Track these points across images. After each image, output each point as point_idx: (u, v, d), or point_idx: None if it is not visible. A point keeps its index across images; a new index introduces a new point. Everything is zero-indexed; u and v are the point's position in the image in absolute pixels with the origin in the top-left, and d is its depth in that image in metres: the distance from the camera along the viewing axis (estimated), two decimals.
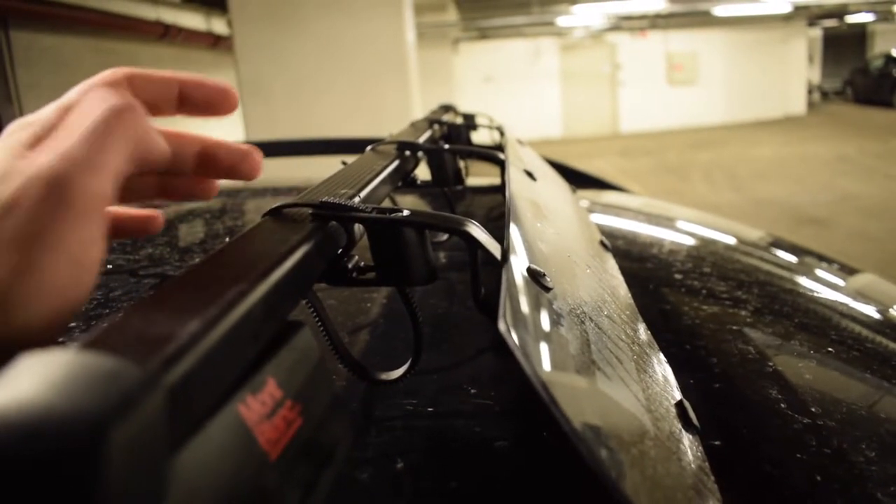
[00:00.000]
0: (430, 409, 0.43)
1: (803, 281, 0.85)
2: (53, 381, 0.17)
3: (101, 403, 0.16)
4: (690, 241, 1.01)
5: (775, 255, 1.02)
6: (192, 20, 9.18)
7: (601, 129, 14.67)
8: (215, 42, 9.59)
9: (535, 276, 0.36)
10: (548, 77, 14.74)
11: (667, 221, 1.19)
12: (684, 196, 6.80)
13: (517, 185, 0.53)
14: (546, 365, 0.28)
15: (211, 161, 0.38)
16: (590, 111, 14.78)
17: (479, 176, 1.33)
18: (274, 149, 1.59)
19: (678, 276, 0.74)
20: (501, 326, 0.27)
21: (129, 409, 0.17)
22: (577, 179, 1.39)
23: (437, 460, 0.39)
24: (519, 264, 0.35)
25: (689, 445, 0.35)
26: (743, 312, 0.64)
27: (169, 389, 0.19)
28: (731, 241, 1.07)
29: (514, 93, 14.50)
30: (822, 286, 0.85)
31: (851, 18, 15.28)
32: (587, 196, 1.27)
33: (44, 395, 0.17)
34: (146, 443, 0.17)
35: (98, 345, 0.20)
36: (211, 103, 0.37)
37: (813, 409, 0.47)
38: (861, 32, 18.51)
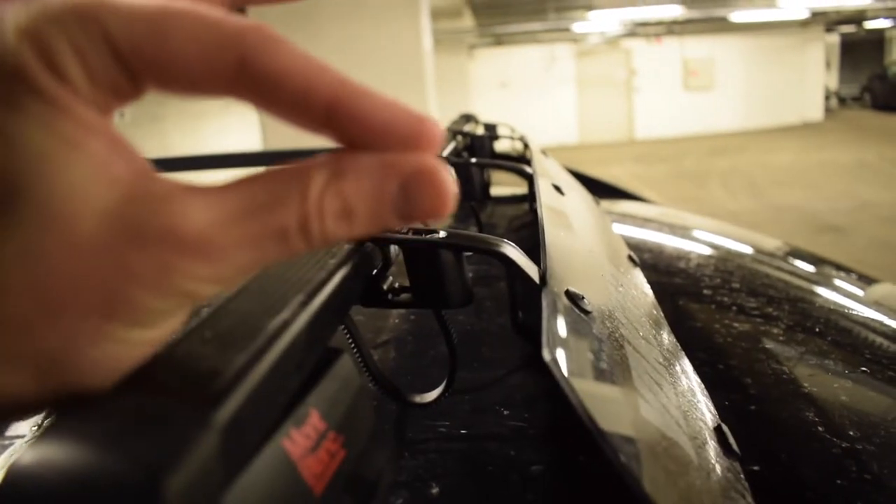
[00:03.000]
0: (462, 432, 0.42)
1: (833, 296, 0.84)
2: (105, 428, 0.17)
3: (156, 451, 0.16)
4: (715, 254, 1.00)
5: (803, 269, 1.01)
6: None
7: (617, 135, 14.62)
8: None
9: (573, 300, 0.35)
10: (563, 83, 14.71)
11: (689, 233, 1.18)
12: (702, 203, 6.75)
13: (548, 203, 0.53)
14: (592, 394, 0.27)
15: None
16: (605, 117, 14.73)
17: (498, 185, 1.32)
18: (296, 158, 1.59)
19: (707, 292, 0.73)
20: (546, 355, 0.27)
21: (183, 456, 0.16)
22: (595, 188, 1.38)
23: (473, 485, 0.38)
24: (557, 287, 0.35)
25: (731, 473, 0.34)
26: (774, 330, 0.64)
27: (220, 429, 0.18)
28: (757, 254, 1.05)
29: (530, 99, 14.48)
30: (852, 301, 0.84)
31: (870, 24, 15.16)
32: (607, 206, 1.26)
33: (96, 445, 0.16)
34: (202, 487, 0.17)
35: (146, 384, 0.19)
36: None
37: (851, 433, 0.46)
38: (879, 38, 18.36)
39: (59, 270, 0.18)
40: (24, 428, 0.52)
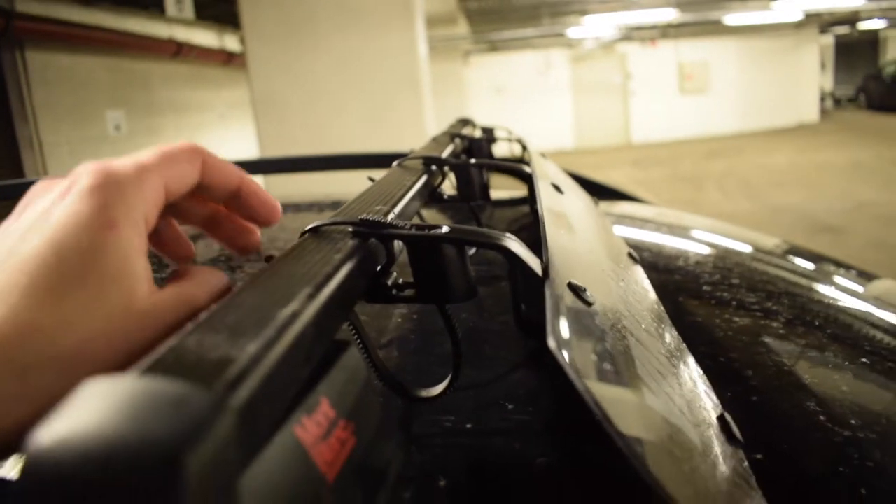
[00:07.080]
0: (468, 426, 0.43)
1: (831, 291, 0.84)
2: (122, 408, 0.17)
3: (175, 430, 0.16)
4: (714, 252, 1.01)
5: (800, 265, 1.01)
6: (205, 38, 9.27)
7: (613, 139, 14.66)
8: (228, 59, 9.68)
9: (576, 291, 0.36)
10: (559, 88, 14.76)
11: (688, 232, 1.19)
12: (699, 205, 6.77)
13: (547, 200, 0.53)
14: (597, 382, 0.27)
15: (243, 202, 0.38)
16: (601, 122, 14.77)
17: (496, 189, 1.33)
18: (295, 165, 1.59)
19: (707, 288, 0.74)
20: (551, 343, 0.27)
21: (202, 435, 0.17)
22: (594, 190, 1.39)
23: (479, 478, 0.38)
24: (559, 279, 0.35)
25: (735, 460, 0.35)
26: (774, 324, 0.64)
27: (236, 412, 0.18)
28: (755, 250, 1.06)
29: (526, 104, 14.52)
30: (848, 295, 0.85)
31: (863, 25, 15.21)
32: (606, 208, 1.26)
33: (114, 424, 0.16)
34: (219, 468, 0.17)
35: (162, 369, 0.20)
36: (257, 212, 0.38)
37: (852, 422, 0.47)
38: (873, 39, 18.42)
39: None
40: None
